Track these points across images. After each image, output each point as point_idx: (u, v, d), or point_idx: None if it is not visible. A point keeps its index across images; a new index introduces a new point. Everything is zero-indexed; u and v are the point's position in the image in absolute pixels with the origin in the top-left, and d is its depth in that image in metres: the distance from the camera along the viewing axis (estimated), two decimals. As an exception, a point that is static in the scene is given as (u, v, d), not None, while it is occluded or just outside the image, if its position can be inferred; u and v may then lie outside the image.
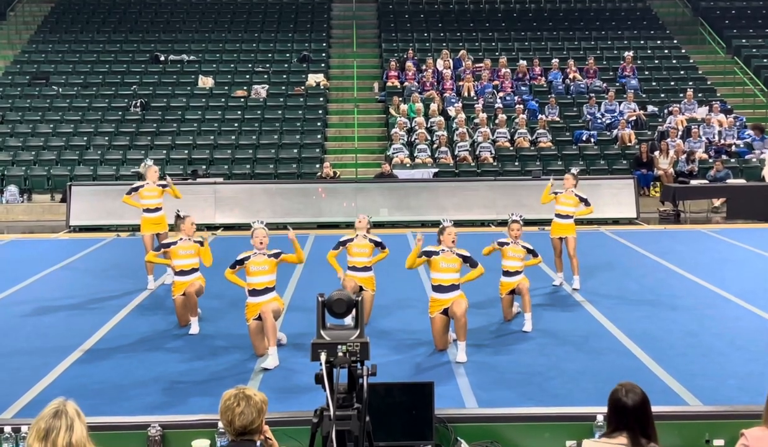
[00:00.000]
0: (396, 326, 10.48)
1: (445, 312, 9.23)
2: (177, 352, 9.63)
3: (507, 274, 10.61)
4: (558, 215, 12.69)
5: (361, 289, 10.24)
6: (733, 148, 23.52)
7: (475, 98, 25.55)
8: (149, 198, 12.78)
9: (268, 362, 8.88)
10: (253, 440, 4.53)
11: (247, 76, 27.53)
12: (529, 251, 10.71)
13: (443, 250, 9.27)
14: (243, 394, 4.52)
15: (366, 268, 10.56)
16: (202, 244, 10.78)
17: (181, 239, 10.67)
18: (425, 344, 9.68)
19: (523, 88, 26.36)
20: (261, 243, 9.30)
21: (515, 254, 10.61)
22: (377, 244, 10.61)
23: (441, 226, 9.48)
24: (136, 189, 12.94)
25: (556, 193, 12.72)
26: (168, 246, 10.80)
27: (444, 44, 28.79)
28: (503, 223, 11.03)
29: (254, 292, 9.24)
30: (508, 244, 10.64)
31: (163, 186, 12.91)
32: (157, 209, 12.83)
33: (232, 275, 9.46)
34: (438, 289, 9.25)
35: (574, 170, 13.32)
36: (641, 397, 4.58)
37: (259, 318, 9.09)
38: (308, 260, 14.77)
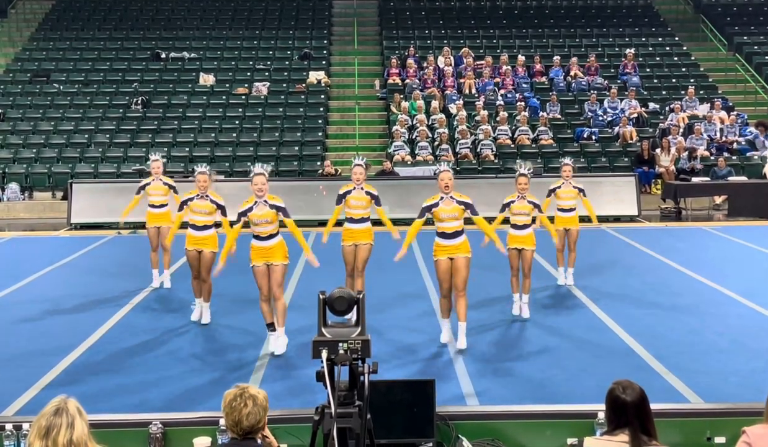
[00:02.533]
0: (397, 323, 10.48)
1: (450, 258, 9.36)
2: (178, 350, 9.63)
3: (514, 227, 10.85)
4: (561, 210, 12.44)
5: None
6: (735, 145, 23.53)
7: (476, 95, 25.54)
8: (154, 195, 12.57)
9: (278, 347, 8.94)
10: (255, 439, 4.54)
11: (248, 74, 27.54)
12: (535, 206, 10.86)
13: (442, 198, 9.36)
14: (248, 393, 4.52)
15: (363, 220, 10.61)
16: (218, 206, 10.83)
17: (198, 196, 10.76)
18: (426, 342, 9.70)
19: (524, 85, 26.36)
20: (260, 190, 9.30)
21: (521, 210, 10.77)
22: (373, 196, 10.63)
23: (438, 170, 9.57)
24: (143, 187, 12.75)
25: (553, 191, 12.47)
26: (185, 202, 10.92)
27: (445, 41, 28.78)
28: (504, 220, 10.98)
29: (259, 238, 9.32)
30: (514, 201, 10.82)
31: (170, 186, 12.66)
32: (162, 205, 12.60)
33: (236, 232, 9.58)
34: (442, 235, 9.39)
35: (569, 159, 12.90)
36: (639, 394, 4.58)
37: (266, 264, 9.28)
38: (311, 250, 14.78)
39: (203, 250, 10.60)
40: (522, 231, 10.79)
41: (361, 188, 10.64)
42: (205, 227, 10.65)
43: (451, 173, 9.51)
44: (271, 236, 9.31)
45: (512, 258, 10.81)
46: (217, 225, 10.83)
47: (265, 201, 9.29)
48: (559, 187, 12.44)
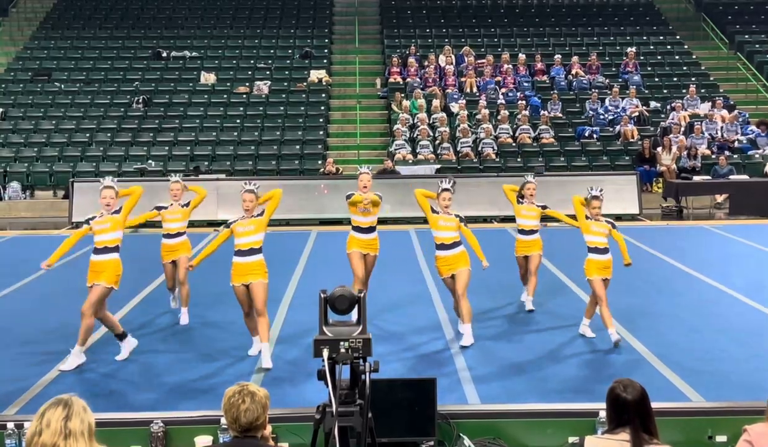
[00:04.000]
0: (398, 323, 10.48)
1: (453, 274, 9.59)
2: (178, 349, 9.63)
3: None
4: (521, 231, 11.11)
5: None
6: (736, 143, 23.51)
7: (477, 94, 25.53)
8: (170, 221, 10.82)
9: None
10: (256, 437, 4.54)
11: (249, 73, 27.54)
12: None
13: (439, 213, 9.65)
14: (247, 390, 4.52)
15: (371, 229, 10.51)
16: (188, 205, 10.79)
17: (171, 205, 10.72)
18: (427, 341, 9.71)
19: (525, 83, 26.35)
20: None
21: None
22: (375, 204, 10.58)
23: (439, 189, 9.70)
24: (159, 209, 10.94)
25: (520, 199, 11.18)
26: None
27: (446, 40, 28.77)
28: (506, 219, 11.02)
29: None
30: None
31: (186, 205, 10.85)
32: (179, 234, 10.81)
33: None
34: (441, 247, 9.59)
35: (531, 176, 11.51)
36: (640, 392, 4.58)
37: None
38: (311, 256, 14.81)
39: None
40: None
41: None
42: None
43: (452, 192, 9.69)
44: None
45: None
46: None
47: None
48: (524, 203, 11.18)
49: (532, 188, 10.95)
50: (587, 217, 9.72)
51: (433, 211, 9.72)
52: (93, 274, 9.04)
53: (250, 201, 8.88)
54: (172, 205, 10.82)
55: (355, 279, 10.37)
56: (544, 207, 11.00)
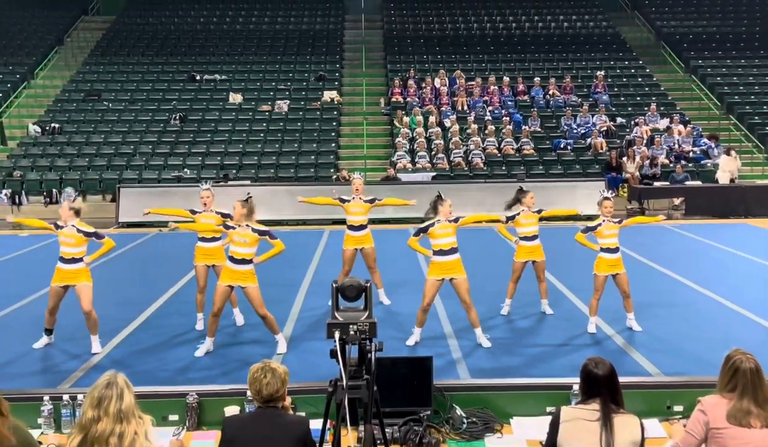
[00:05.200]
0: (400, 308, 10.46)
1: (450, 279, 8.70)
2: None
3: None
4: (524, 238, 10.04)
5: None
6: (691, 154, 23.46)
7: (467, 111, 25.50)
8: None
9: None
10: (277, 407, 4.54)
11: (271, 93, 27.51)
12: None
13: (438, 220, 8.74)
14: (269, 367, 4.53)
15: (362, 227, 10.56)
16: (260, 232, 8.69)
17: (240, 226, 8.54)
18: (426, 324, 9.66)
19: (509, 102, 26.31)
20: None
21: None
22: (370, 201, 10.64)
23: (440, 199, 8.85)
24: (194, 212, 9.87)
25: (512, 218, 10.01)
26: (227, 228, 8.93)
27: (441, 65, 28.72)
28: (492, 221, 10.49)
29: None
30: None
31: (224, 215, 9.49)
32: (214, 239, 9.61)
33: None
34: (439, 253, 8.68)
35: (524, 186, 10.50)
36: (609, 368, 4.58)
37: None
38: (323, 251, 14.79)
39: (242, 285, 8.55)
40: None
41: (360, 197, 10.64)
42: (243, 261, 8.43)
43: (450, 202, 8.85)
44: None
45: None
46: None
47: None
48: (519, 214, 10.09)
49: (530, 197, 9.87)
50: (596, 227, 9.21)
51: (429, 226, 8.77)
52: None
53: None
54: (205, 211, 9.63)
55: (342, 271, 10.40)
56: (539, 211, 9.97)
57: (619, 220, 9.43)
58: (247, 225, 8.37)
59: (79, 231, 8.66)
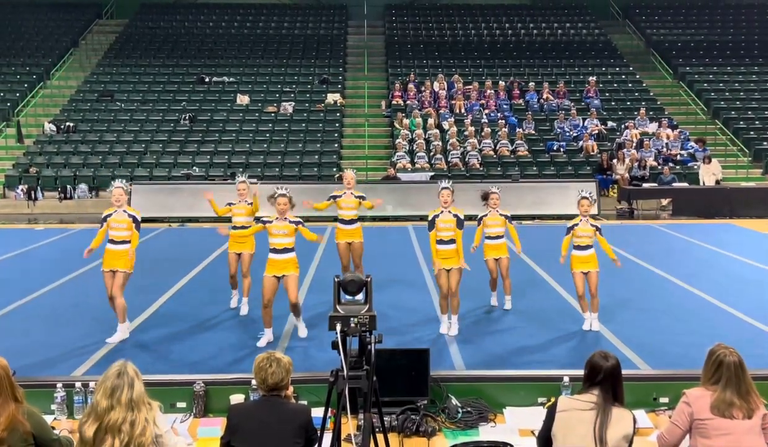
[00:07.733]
0: (398, 302, 10.45)
1: (447, 270, 8.87)
2: (218, 326, 9.61)
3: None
4: (489, 237, 9.97)
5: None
6: (678, 157, 23.46)
7: (465, 114, 25.49)
8: (237, 215, 9.98)
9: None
10: (280, 395, 4.55)
11: (277, 95, 27.51)
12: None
13: (442, 211, 8.93)
14: (274, 357, 4.54)
15: (353, 221, 10.55)
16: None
17: (276, 218, 8.59)
18: (423, 318, 9.67)
19: (504, 106, 26.30)
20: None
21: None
22: (360, 198, 10.61)
23: (440, 187, 9.04)
24: (230, 204, 10.09)
25: (481, 219, 10.04)
26: (230, 205, 9.92)
27: (439, 70, 28.71)
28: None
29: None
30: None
31: (251, 204, 9.96)
32: (244, 227, 9.79)
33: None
34: (440, 242, 8.87)
35: (496, 188, 10.29)
36: (616, 362, 4.59)
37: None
38: (325, 247, 14.79)
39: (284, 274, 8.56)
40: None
41: (351, 192, 10.64)
42: (286, 250, 8.52)
43: (451, 190, 8.99)
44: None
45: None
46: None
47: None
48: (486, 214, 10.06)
49: (495, 198, 9.90)
50: (573, 227, 9.26)
51: (435, 217, 8.93)
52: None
53: (284, 204, 8.45)
54: (239, 202, 9.91)
55: (342, 265, 10.47)
56: (508, 217, 9.92)
57: (597, 227, 9.39)
58: (285, 217, 8.53)
59: (129, 216, 8.96)
